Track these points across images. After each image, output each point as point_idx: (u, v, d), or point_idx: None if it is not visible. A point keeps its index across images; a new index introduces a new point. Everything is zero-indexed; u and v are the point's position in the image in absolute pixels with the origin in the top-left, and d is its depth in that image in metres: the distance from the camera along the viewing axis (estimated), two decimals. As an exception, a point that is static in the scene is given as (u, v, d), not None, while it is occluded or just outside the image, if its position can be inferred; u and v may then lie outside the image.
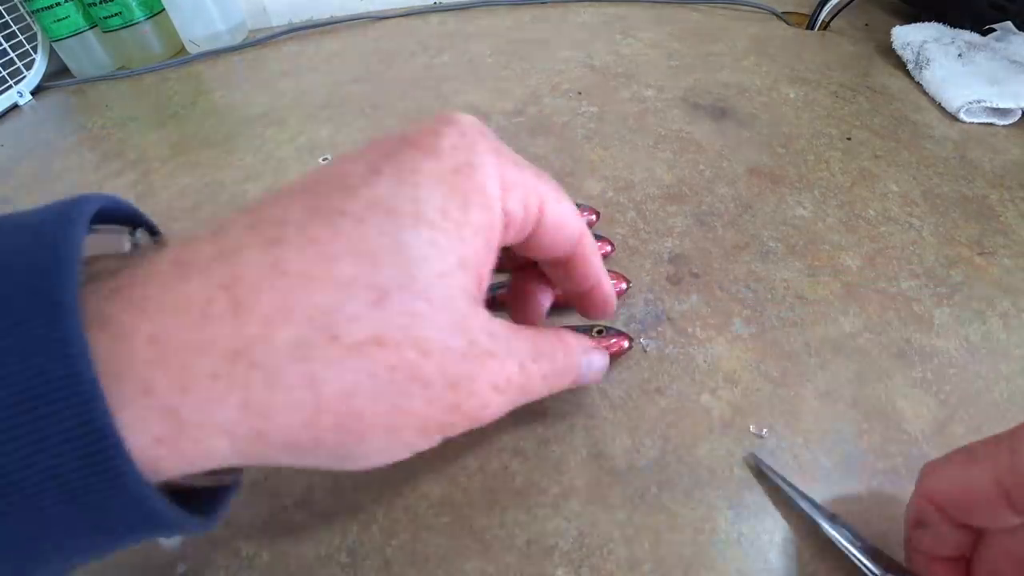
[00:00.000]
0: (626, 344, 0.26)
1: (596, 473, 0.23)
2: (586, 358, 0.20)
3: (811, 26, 0.57)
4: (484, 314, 0.15)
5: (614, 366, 0.27)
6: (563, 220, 0.18)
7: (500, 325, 0.16)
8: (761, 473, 0.23)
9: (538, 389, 0.17)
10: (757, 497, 0.22)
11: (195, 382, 0.12)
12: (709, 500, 0.22)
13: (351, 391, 0.13)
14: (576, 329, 0.27)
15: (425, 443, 0.15)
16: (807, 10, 0.58)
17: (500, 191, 0.15)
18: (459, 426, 0.15)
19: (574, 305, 0.23)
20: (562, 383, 0.19)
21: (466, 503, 0.23)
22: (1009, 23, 0.47)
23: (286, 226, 0.13)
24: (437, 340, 0.13)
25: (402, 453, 0.15)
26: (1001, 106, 0.40)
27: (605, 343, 0.26)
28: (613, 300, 0.22)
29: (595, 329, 0.26)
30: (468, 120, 0.16)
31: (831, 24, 0.57)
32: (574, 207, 0.18)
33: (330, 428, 0.13)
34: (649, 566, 0.21)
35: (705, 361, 0.27)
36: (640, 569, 0.21)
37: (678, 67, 0.51)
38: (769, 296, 0.30)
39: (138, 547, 0.22)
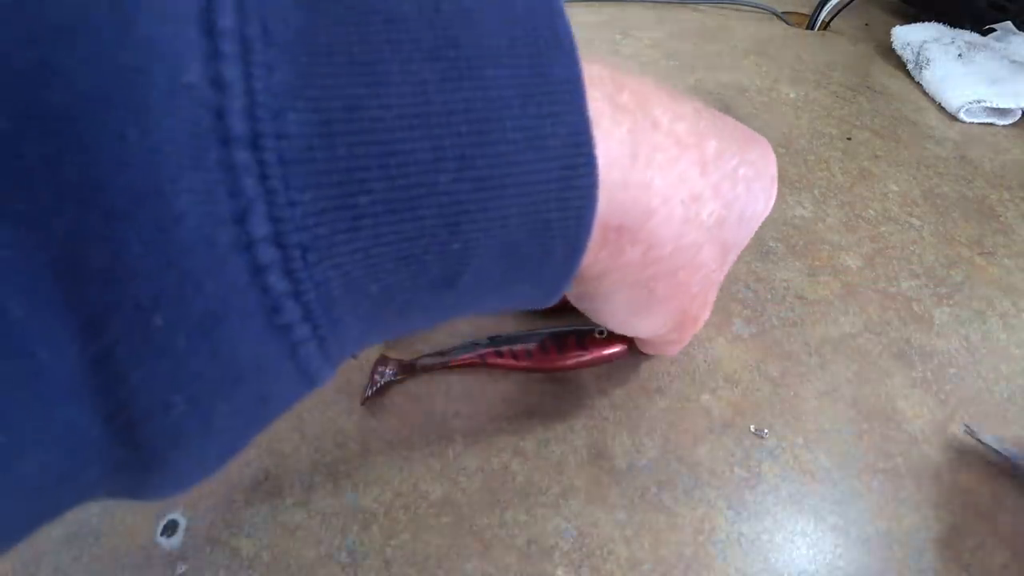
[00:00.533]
0: (626, 346, 0.26)
1: (596, 473, 0.23)
2: None
3: (811, 26, 0.57)
4: None
5: (614, 366, 0.27)
6: None
7: None
8: (978, 440, 0.23)
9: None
10: (757, 497, 0.22)
11: (664, 176, 0.15)
12: (709, 500, 0.22)
13: (702, 264, 0.17)
14: (578, 332, 0.27)
15: (666, 327, 0.20)
16: (807, 10, 0.58)
17: None
18: (684, 325, 0.21)
19: None
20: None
21: (466, 503, 0.23)
22: (1009, 23, 0.47)
23: (718, 140, 0.17)
24: (733, 261, 0.19)
25: (651, 330, 0.21)
26: (1001, 106, 0.41)
27: (605, 345, 0.26)
28: None
29: (596, 331, 0.26)
30: None
31: (831, 24, 0.57)
32: None
33: (675, 269, 0.17)
34: (649, 566, 0.21)
35: (705, 361, 0.27)
36: (640, 569, 0.21)
37: (678, 67, 0.51)
38: (769, 296, 0.30)
39: (138, 547, 0.22)
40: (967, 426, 0.23)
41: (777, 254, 0.32)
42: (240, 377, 0.10)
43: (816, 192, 0.36)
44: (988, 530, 0.21)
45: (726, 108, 0.44)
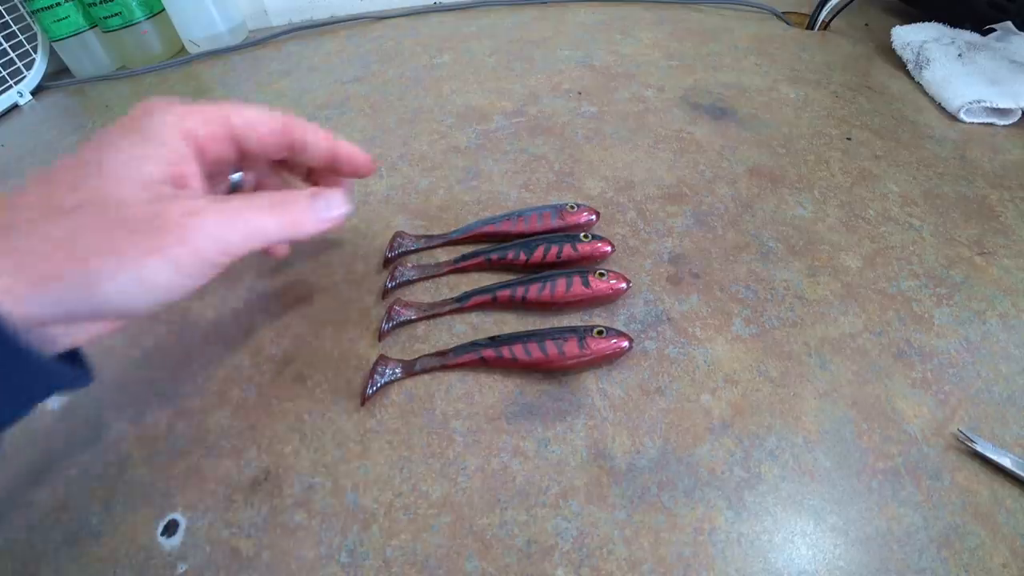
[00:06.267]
0: (626, 344, 0.26)
1: (596, 473, 0.23)
2: (316, 201, 0.23)
3: (811, 26, 0.57)
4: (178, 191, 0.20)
5: (614, 366, 0.27)
6: (252, 120, 0.23)
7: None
8: (972, 451, 0.23)
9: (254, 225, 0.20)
10: (757, 497, 0.22)
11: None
12: (709, 500, 0.22)
13: (71, 237, 0.17)
14: (576, 330, 0.27)
15: (177, 281, 0.18)
16: (807, 10, 0.58)
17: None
18: (183, 258, 0.18)
19: (343, 175, 0.28)
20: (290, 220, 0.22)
21: (466, 503, 0.23)
22: (1009, 23, 0.47)
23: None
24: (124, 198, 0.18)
25: (152, 294, 0.18)
26: (1001, 106, 0.40)
27: (605, 343, 0.26)
28: (361, 155, 0.27)
29: (595, 330, 0.26)
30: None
31: (831, 24, 0.57)
32: (261, 111, 0.23)
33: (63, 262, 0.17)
34: (649, 566, 0.21)
35: (705, 361, 0.27)
36: (640, 569, 0.21)
37: (678, 67, 0.51)
38: (769, 296, 0.30)
39: (138, 547, 0.22)
40: (961, 432, 0.23)
41: (777, 254, 0.32)
42: None
43: (816, 192, 0.36)
44: (988, 530, 0.21)
45: (726, 108, 0.44)
